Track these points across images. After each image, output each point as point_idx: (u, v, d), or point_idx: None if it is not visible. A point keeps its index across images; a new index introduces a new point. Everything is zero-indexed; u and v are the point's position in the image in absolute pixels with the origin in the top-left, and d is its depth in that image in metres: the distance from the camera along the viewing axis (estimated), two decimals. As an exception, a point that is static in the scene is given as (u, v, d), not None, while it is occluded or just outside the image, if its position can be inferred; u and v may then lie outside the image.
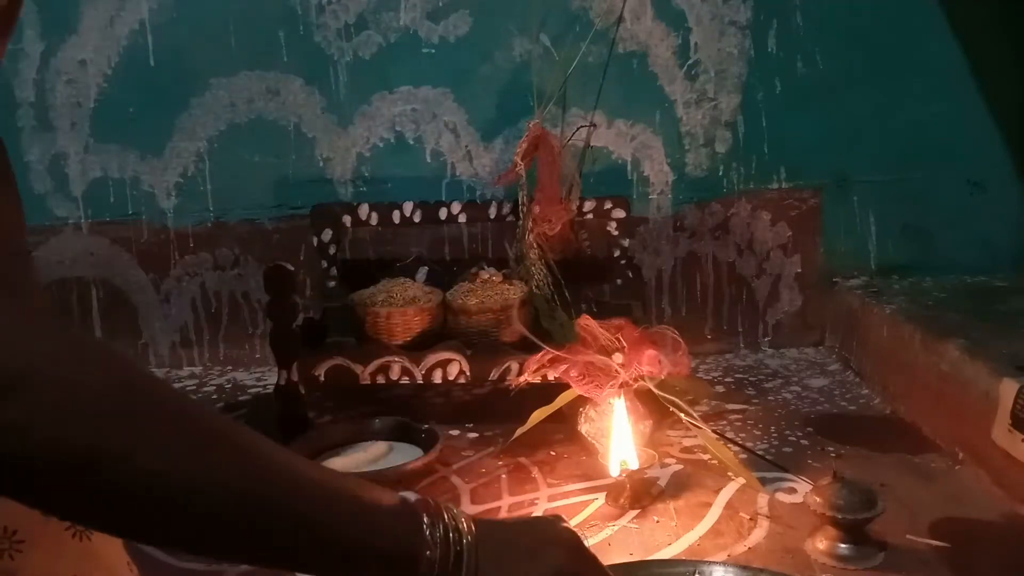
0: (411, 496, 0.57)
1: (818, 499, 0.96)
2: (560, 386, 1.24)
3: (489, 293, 1.38)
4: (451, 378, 1.33)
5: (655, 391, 1.21)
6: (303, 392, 1.37)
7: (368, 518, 0.53)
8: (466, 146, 1.66)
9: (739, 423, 1.36)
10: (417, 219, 1.57)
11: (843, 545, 0.96)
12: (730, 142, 1.66)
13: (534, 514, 0.61)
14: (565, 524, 0.64)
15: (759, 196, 1.68)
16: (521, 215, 1.47)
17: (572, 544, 0.61)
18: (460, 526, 0.56)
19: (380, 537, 0.53)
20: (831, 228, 1.69)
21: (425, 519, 0.55)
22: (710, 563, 0.89)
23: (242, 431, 0.51)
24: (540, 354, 1.23)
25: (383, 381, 1.33)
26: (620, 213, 1.54)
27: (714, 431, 1.26)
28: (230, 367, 1.71)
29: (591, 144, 1.58)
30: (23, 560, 0.57)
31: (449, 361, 1.32)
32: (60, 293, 1.70)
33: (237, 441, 0.50)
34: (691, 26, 1.62)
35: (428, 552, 0.54)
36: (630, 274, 1.56)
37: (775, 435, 1.31)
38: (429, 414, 1.42)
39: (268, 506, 0.49)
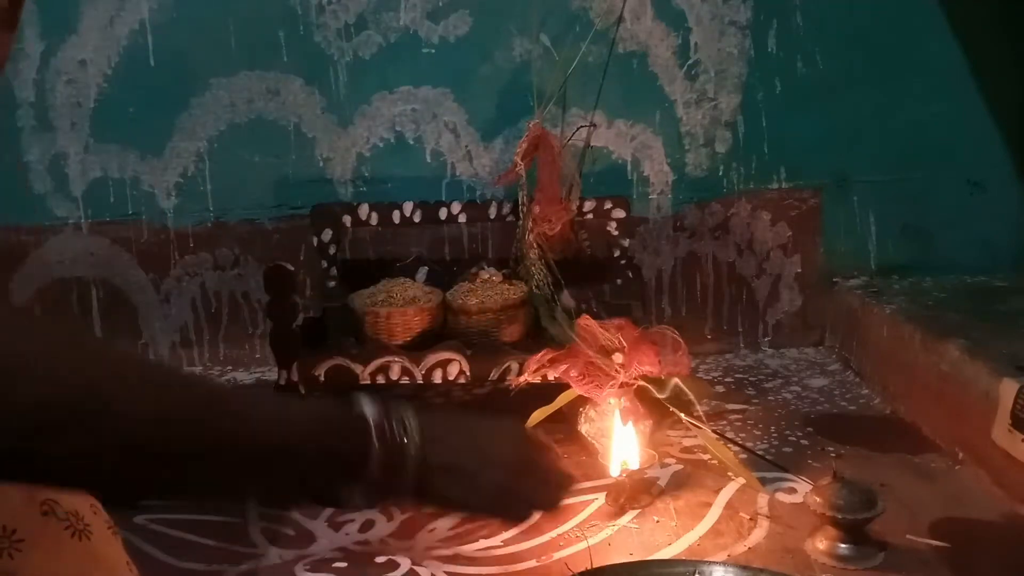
0: (364, 398, 0.58)
1: (818, 499, 0.96)
2: (560, 386, 1.24)
3: (489, 293, 1.38)
4: (451, 378, 1.33)
5: (655, 392, 1.21)
6: (303, 392, 1.36)
7: (312, 420, 0.56)
8: (466, 146, 1.66)
9: (739, 423, 1.36)
10: (417, 219, 1.57)
11: (843, 545, 0.96)
12: (730, 142, 1.66)
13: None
14: (523, 433, 0.67)
15: (759, 196, 1.68)
16: (521, 215, 1.47)
17: (521, 461, 0.64)
18: (408, 429, 0.58)
19: (326, 437, 0.56)
20: (831, 228, 1.69)
21: (372, 421, 0.56)
22: (710, 563, 0.89)
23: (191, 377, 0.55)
24: (540, 354, 1.23)
25: (383, 381, 1.33)
26: (620, 213, 1.54)
27: (714, 431, 1.27)
28: (230, 367, 1.71)
29: (591, 144, 1.58)
30: (23, 559, 0.57)
31: (449, 361, 1.32)
32: (60, 293, 1.70)
33: (182, 381, 0.55)
34: (691, 26, 1.62)
35: (374, 452, 0.56)
36: (630, 274, 1.56)
37: (775, 435, 1.31)
38: (429, 414, 1.41)
39: (211, 424, 0.52)
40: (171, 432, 0.50)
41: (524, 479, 0.64)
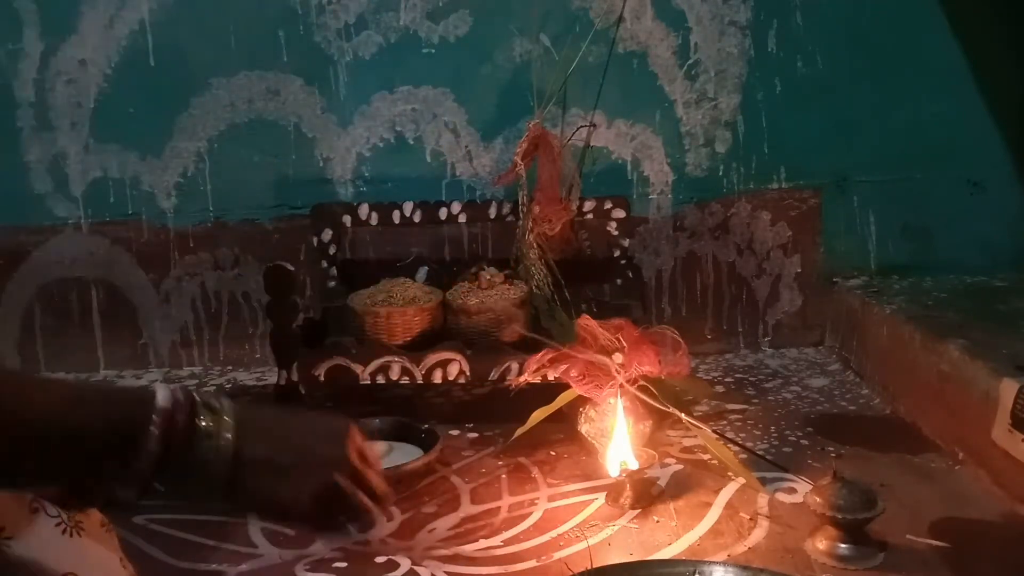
0: (164, 385, 0.58)
1: (818, 499, 0.96)
2: (560, 386, 1.24)
3: (489, 293, 1.38)
4: (451, 378, 1.33)
5: (650, 401, 1.21)
6: (303, 392, 1.37)
7: (94, 400, 0.57)
8: (466, 146, 1.66)
9: (739, 423, 1.36)
10: (417, 219, 1.57)
11: (843, 545, 0.96)
12: (730, 142, 1.66)
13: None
14: (343, 435, 0.65)
15: (759, 196, 1.68)
16: (521, 215, 1.47)
17: (337, 464, 0.63)
18: (219, 419, 0.58)
19: (103, 415, 0.56)
20: (831, 228, 1.69)
21: (160, 402, 0.56)
22: (710, 563, 0.89)
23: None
24: (540, 354, 1.23)
25: (383, 381, 1.33)
26: (620, 213, 1.54)
27: (714, 431, 1.27)
28: (230, 367, 1.71)
29: (591, 144, 1.58)
30: (12, 555, 0.58)
31: (449, 361, 1.32)
32: (60, 293, 1.70)
33: None
34: (691, 26, 1.62)
35: (152, 432, 0.55)
36: (630, 274, 1.56)
37: (775, 435, 1.31)
38: (429, 414, 1.42)
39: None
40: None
41: (342, 491, 0.63)
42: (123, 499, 0.56)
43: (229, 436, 0.58)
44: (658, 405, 1.21)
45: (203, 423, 0.58)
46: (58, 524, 0.61)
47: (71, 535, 0.62)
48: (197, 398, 0.59)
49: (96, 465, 0.56)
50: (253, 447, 0.59)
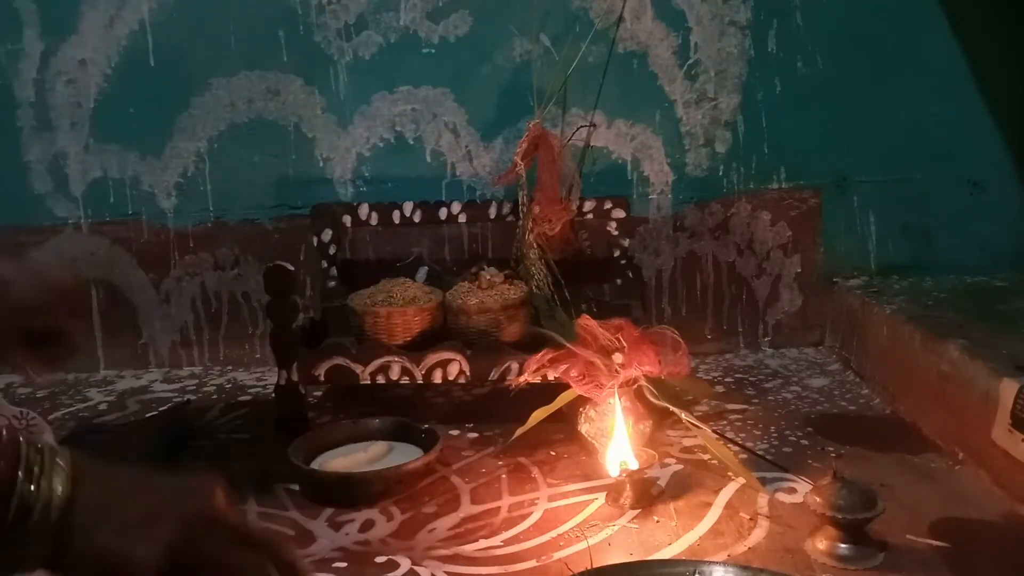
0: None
1: (818, 499, 0.96)
2: (560, 386, 1.24)
3: (489, 293, 1.38)
4: (451, 378, 1.33)
5: (651, 399, 1.21)
6: (303, 392, 1.37)
7: None
8: (466, 146, 1.66)
9: (739, 423, 1.36)
10: (417, 219, 1.57)
11: (843, 545, 0.96)
12: (730, 142, 1.66)
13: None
14: (207, 489, 0.55)
15: (759, 196, 1.68)
16: (521, 215, 1.47)
17: (199, 511, 0.53)
18: (51, 486, 0.49)
19: None
20: (831, 228, 1.69)
21: None
22: (710, 563, 0.89)
23: None
24: (540, 354, 1.23)
25: (383, 381, 1.33)
26: (620, 213, 1.54)
27: (714, 431, 1.27)
28: (230, 367, 1.71)
29: (591, 144, 1.58)
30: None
31: (449, 361, 1.32)
32: (60, 293, 1.70)
33: None
34: (691, 26, 1.62)
35: None
36: (630, 274, 1.56)
37: (775, 435, 1.31)
38: (429, 414, 1.42)
39: None
40: None
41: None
42: None
43: (60, 480, 0.49)
44: (660, 403, 1.21)
45: (30, 464, 0.49)
46: None
47: None
48: (21, 438, 0.50)
49: None
50: (91, 494, 0.50)
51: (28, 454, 0.49)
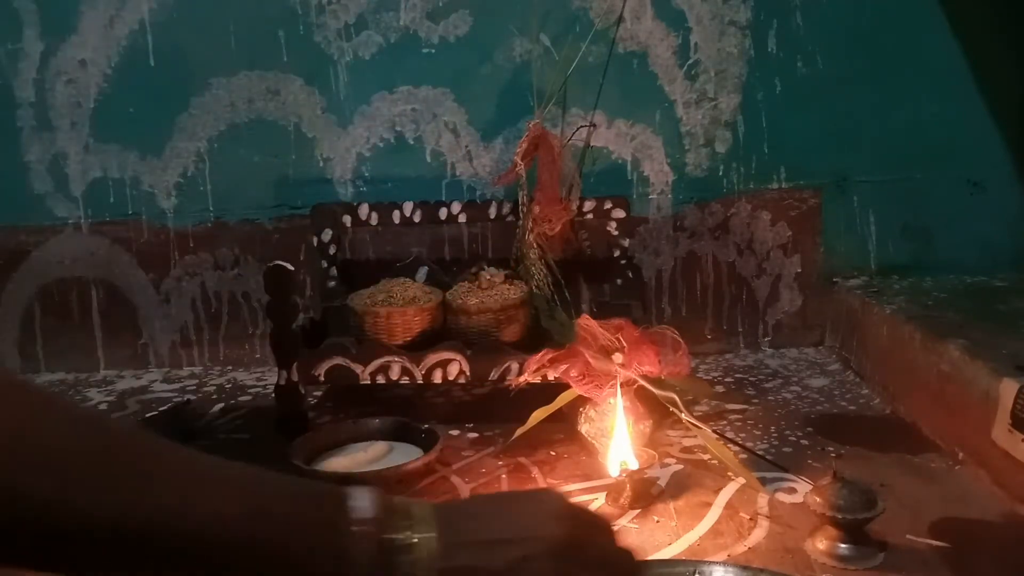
0: (363, 504, 0.50)
1: (818, 499, 0.96)
2: (560, 386, 1.24)
3: (489, 293, 1.38)
4: (451, 378, 1.33)
5: (655, 391, 1.21)
6: (303, 392, 1.37)
7: (278, 516, 0.48)
8: (466, 146, 1.66)
9: (739, 423, 1.36)
10: (417, 219, 1.57)
11: (843, 545, 0.96)
12: (730, 142, 1.66)
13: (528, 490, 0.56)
14: (561, 510, 0.55)
15: (759, 196, 1.68)
16: (521, 215, 1.47)
17: (560, 542, 0.52)
18: (419, 527, 0.50)
19: (292, 538, 0.48)
20: (831, 228, 1.69)
21: (353, 530, 0.48)
22: (710, 563, 0.89)
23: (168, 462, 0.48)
24: (540, 354, 1.23)
25: (383, 381, 1.33)
26: (620, 213, 1.54)
27: (714, 431, 1.27)
28: (230, 367, 1.71)
29: (591, 144, 1.58)
30: None
31: (449, 361, 1.32)
32: (60, 293, 1.70)
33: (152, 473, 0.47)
34: (691, 26, 1.62)
35: (356, 564, 0.47)
36: (630, 274, 1.56)
37: (775, 435, 1.31)
38: (429, 414, 1.42)
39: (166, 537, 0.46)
40: (84, 514, 0.44)
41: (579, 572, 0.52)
42: None
43: (430, 547, 0.50)
44: (663, 401, 1.21)
45: (399, 535, 0.49)
46: None
47: None
48: (388, 503, 0.50)
49: None
50: (457, 534, 0.50)
51: (396, 517, 0.50)
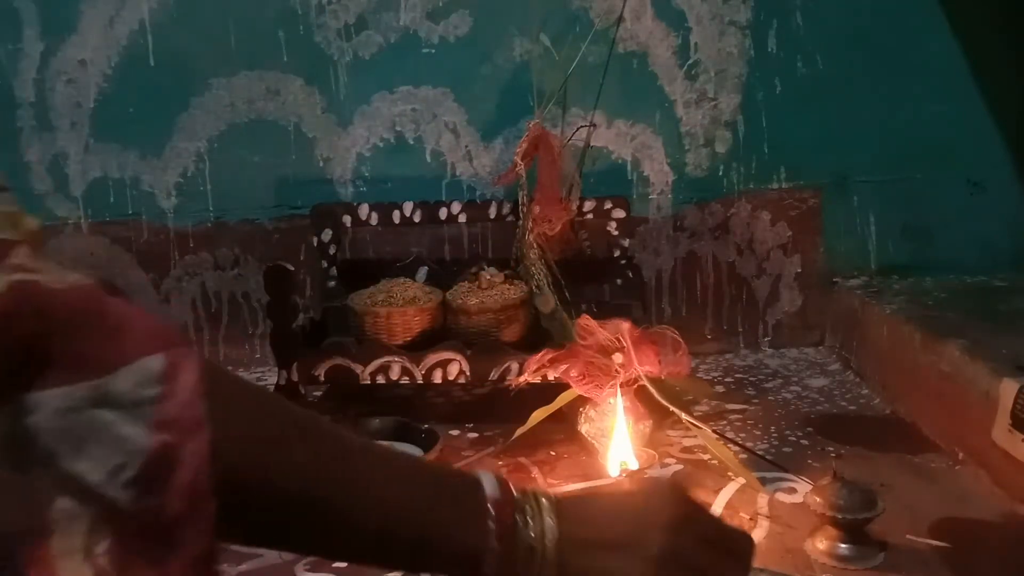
0: (492, 485, 0.53)
1: (818, 499, 0.96)
2: (560, 386, 1.24)
3: (489, 293, 1.38)
4: (451, 378, 1.33)
5: (655, 394, 1.21)
6: (303, 392, 1.37)
7: (434, 513, 0.52)
8: (466, 146, 1.66)
9: (739, 423, 1.36)
10: (417, 219, 1.57)
11: (843, 545, 0.96)
12: (730, 142, 1.66)
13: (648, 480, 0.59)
14: (677, 501, 0.55)
15: (759, 196, 1.68)
16: (521, 215, 1.47)
17: (676, 517, 0.54)
18: (543, 523, 0.52)
19: (444, 530, 0.52)
20: (831, 228, 1.69)
21: (492, 515, 0.51)
22: (710, 563, 0.89)
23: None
24: (540, 354, 1.23)
25: (383, 381, 1.33)
26: (620, 213, 1.54)
27: (714, 431, 1.27)
28: (230, 367, 1.71)
29: (591, 144, 1.58)
30: None
31: (449, 361, 1.32)
32: (60, 293, 1.70)
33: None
34: (691, 26, 1.62)
35: (491, 550, 0.51)
36: (630, 274, 1.56)
37: (775, 435, 1.31)
38: (429, 414, 1.42)
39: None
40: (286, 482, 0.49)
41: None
42: None
43: (550, 516, 0.52)
44: (663, 401, 1.21)
45: (527, 529, 0.51)
46: None
47: None
48: (515, 494, 0.53)
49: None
50: (577, 524, 0.52)
51: (519, 498, 0.52)
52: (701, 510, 0.56)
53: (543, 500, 0.53)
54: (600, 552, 0.52)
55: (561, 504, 0.53)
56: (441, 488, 0.53)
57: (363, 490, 0.51)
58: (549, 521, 0.52)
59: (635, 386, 1.20)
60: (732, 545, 0.57)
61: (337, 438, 0.53)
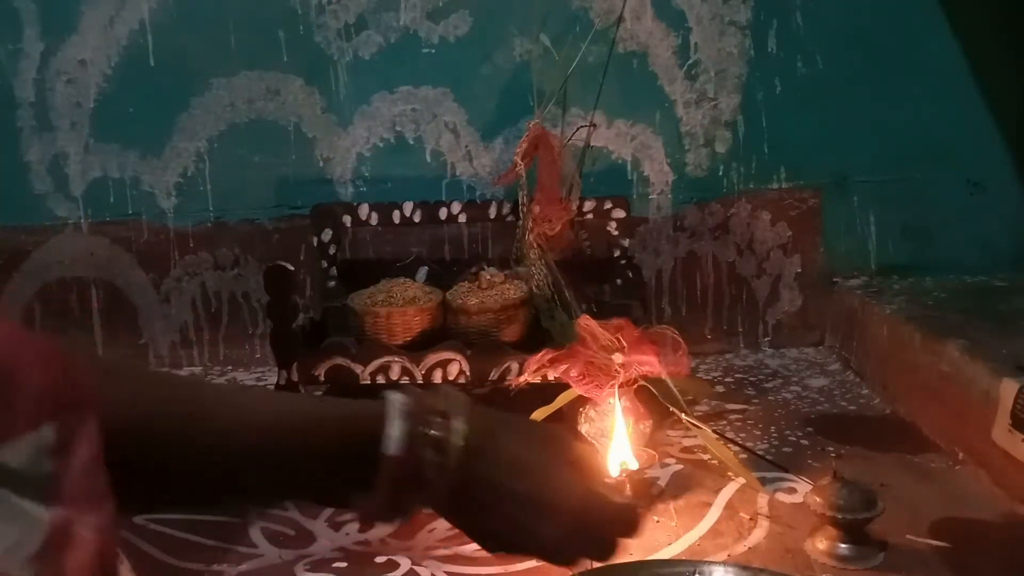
0: (398, 397, 0.53)
1: (818, 499, 0.96)
2: (560, 386, 1.24)
3: (489, 293, 1.38)
4: (451, 378, 1.33)
5: (654, 391, 1.21)
6: (303, 392, 1.36)
7: (319, 421, 0.54)
8: (466, 146, 1.66)
9: (739, 423, 1.36)
10: (417, 219, 1.57)
11: (843, 545, 0.96)
12: (730, 142, 1.66)
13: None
14: (567, 434, 0.58)
15: (759, 196, 1.68)
16: (521, 215, 1.47)
17: (575, 456, 0.56)
18: (449, 434, 0.52)
19: (331, 441, 0.52)
20: (831, 228, 1.69)
21: (394, 418, 0.52)
22: (710, 563, 0.89)
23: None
24: (540, 354, 1.23)
25: (383, 381, 1.33)
26: (620, 213, 1.54)
27: (714, 431, 1.26)
28: (230, 367, 1.71)
29: (591, 144, 1.58)
30: None
31: (449, 361, 1.32)
32: (60, 293, 1.70)
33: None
34: (691, 26, 1.62)
35: (386, 462, 0.51)
36: (630, 274, 1.55)
37: (775, 435, 1.31)
38: (429, 414, 1.41)
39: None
40: (149, 440, 0.49)
41: (587, 521, 0.55)
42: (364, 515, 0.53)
43: (462, 421, 0.53)
44: (665, 402, 1.21)
45: (431, 431, 0.52)
46: None
47: None
48: (427, 402, 0.54)
49: (329, 485, 0.53)
50: (484, 435, 0.53)
51: (431, 416, 0.53)
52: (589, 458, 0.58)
53: (458, 402, 0.54)
54: (506, 471, 0.53)
55: (474, 413, 0.54)
56: (338, 407, 0.55)
57: (242, 408, 0.53)
58: (461, 427, 0.52)
59: (635, 386, 1.20)
60: (613, 511, 0.57)
61: (219, 386, 0.56)
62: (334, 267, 1.57)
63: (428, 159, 1.66)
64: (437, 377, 1.32)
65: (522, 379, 1.26)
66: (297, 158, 1.66)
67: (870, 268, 1.70)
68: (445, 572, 0.98)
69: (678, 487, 1.15)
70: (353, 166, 1.66)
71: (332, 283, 1.57)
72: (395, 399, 0.53)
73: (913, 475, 1.16)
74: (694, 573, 0.86)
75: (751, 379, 1.56)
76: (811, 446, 1.27)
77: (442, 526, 1.08)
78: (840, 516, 0.94)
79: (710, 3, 1.61)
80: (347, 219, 1.57)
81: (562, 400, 1.23)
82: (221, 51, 1.62)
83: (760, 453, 1.24)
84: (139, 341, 1.72)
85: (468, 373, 1.32)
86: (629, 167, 1.66)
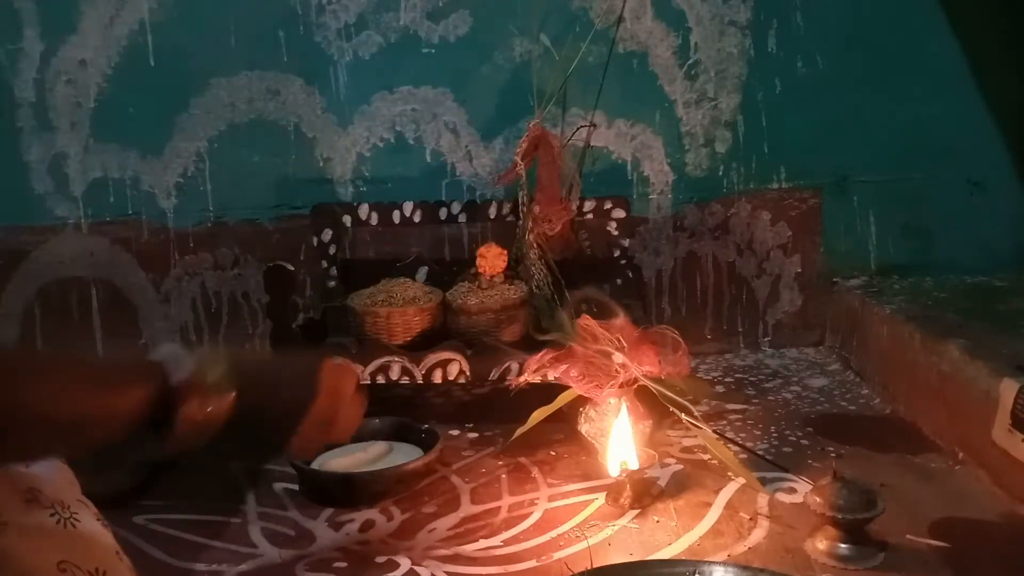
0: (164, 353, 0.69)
1: (818, 499, 0.96)
2: (560, 386, 1.24)
3: (489, 293, 1.38)
4: (451, 378, 1.33)
5: (655, 390, 1.21)
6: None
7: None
8: (466, 146, 1.66)
9: (739, 423, 1.36)
10: (417, 219, 1.57)
11: (843, 545, 0.96)
12: (730, 142, 1.66)
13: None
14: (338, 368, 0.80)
15: (759, 196, 1.68)
16: (521, 215, 1.47)
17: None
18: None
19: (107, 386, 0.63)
20: (831, 228, 1.69)
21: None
22: (710, 563, 0.89)
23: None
24: (540, 354, 1.23)
25: (383, 381, 1.33)
26: (620, 213, 1.54)
27: (714, 431, 1.27)
28: (230, 367, 1.71)
29: (591, 144, 1.58)
30: (6, 540, 0.58)
31: (449, 361, 1.32)
32: (60, 293, 1.70)
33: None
34: (691, 26, 1.62)
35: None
36: (630, 274, 1.56)
37: (775, 435, 1.31)
38: (429, 414, 1.42)
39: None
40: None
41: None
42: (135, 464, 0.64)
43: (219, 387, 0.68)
44: (666, 402, 1.21)
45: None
46: (52, 515, 0.62)
47: (65, 525, 0.62)
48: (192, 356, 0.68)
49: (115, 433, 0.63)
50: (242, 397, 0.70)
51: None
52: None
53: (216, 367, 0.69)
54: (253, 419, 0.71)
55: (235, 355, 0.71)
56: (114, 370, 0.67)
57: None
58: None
59: (635, 386, 1.20)
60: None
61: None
62: (334, 267, 1.57)
63: (428, 159, 1.66)
64: (437, 377, 1.32)
65: (522, 379, 1.26)
66: (297, 158, 1.66)
67: (870, 268, 1.70)
68: (445, 572, 0.98)
69: (678, 487, 1.15)
70: (353, 166, 1.66)
71: (332, 283, 1.57)
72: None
73: (913, 475, 1.16)
74: (694, 573, 0.87)
75: (751, 379, 1.56)
76: (811, 446, 1.27)
77: (442, 526, 1.08)
78: (840, 516, 0.94)
79: (710, 3, 1.61)
80: (347, 219, 1.57)
81: (562, 400, 1.23)
82: (221, 51, 1.62)
83: (760, 453, 1.24)
84: (139, 341, 1.72)
85: (468, 373, 1.32)
86: (629, 167, 1.66)
